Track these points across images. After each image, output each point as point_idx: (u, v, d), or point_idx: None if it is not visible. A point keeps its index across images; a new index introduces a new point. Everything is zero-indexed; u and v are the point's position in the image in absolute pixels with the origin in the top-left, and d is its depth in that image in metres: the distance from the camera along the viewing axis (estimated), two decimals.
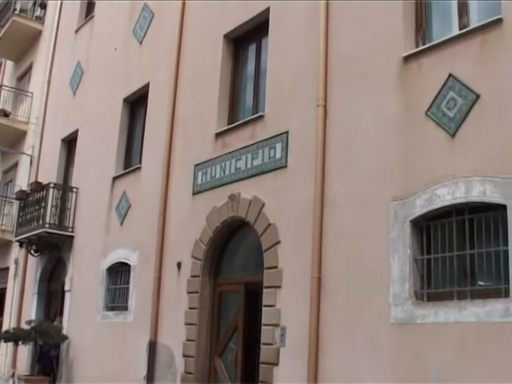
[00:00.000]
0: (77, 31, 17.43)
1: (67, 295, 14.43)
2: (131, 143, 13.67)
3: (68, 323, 14.04)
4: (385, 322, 6.83)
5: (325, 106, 8.24)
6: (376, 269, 7.08)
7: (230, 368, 9.47)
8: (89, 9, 17.47)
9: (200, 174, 10.58)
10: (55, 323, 14.24)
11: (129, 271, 12.24)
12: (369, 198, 7.39)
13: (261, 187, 9.13)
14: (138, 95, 13.49)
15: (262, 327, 8.51)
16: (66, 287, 14.50)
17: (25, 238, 15.23)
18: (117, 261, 12.67)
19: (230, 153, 9.95)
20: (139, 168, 12.57)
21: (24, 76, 21.11)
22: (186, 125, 11.36)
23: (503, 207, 6.04)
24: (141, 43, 13.71)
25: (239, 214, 9.45)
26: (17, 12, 19.74)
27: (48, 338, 13.35)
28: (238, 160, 9.70)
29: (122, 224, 12.74)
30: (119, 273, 12.72)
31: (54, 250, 14.99)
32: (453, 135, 6.61)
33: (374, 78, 7.67)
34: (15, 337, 13.74)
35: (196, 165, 10.73)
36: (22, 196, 15.67)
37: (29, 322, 13.95)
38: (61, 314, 14.61)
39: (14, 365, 16.26)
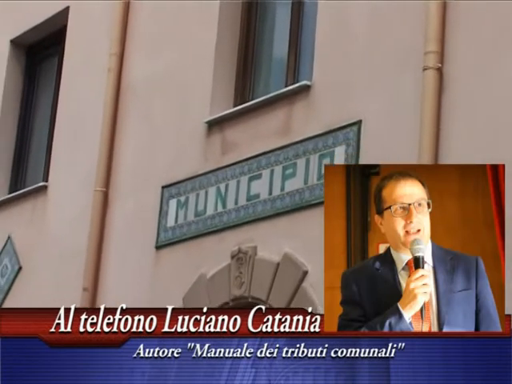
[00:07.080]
0: None
1: None
2: (26, 136, 14.05)
3: None
4: None
5: (440, 70, 8.43)
6: None
7: None
8: None
9: (173, 204, 10.82)
10: None
11: None
12: None
13: (299, 236, 9.33)
14: (42, 35, 13.91)
15: None
16: None
17: None
18: None
19: (236, 163, 10.20)
20: (44, 188, 12.88)
21: None
22: (145, 101, 11.69)
23: None
24: None
25: (252, 293, 9.68)
26: None
27: None
28: (254, 179, 9.94)
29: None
30: None
31: None
32: None
33: None
34: None
35: (165, 186, 11.00)
36: None
37: None
38: None
39: None
